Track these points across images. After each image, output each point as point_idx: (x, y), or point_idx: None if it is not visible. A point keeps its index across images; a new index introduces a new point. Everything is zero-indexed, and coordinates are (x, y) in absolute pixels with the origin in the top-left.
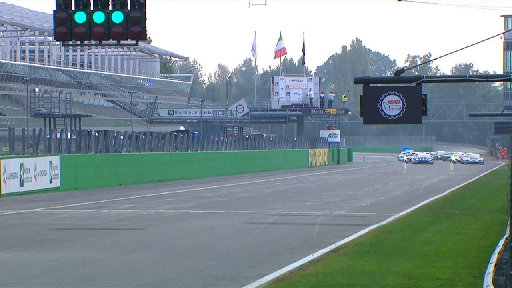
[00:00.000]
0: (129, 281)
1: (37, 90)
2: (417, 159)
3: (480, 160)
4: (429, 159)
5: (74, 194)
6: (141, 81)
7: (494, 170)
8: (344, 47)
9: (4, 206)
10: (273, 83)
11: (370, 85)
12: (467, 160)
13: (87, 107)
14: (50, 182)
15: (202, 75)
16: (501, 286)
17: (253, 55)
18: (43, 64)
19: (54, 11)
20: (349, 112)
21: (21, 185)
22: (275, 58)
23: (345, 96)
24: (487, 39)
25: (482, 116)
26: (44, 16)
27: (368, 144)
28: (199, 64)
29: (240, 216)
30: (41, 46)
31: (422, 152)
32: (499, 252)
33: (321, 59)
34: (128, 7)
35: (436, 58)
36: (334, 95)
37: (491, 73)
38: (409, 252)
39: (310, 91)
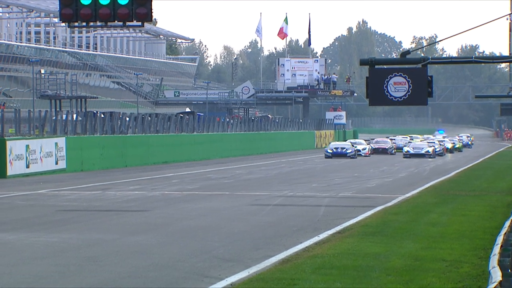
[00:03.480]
0: (135, 262)
1: (42, 71)
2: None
3: (428, 151)
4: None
5: (80, 175)
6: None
7: (500, 152)
8: (350, 29)
9: (10, 187)
10: (278, 64)
11: (376, 66)
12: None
13: (93, 88)
14: (56, 163)
15: (207, 56)
16: (507, 267)
17: (258, 36)
18: (49, 46)
19: None
20: (355, 94)
21: (27, 166)
22: (278, 35)
23: (347, 79)
24: (493, 20)
25: (488, 97)
26: None
27: (374, 126)
28: (205, 45)
29: (246, 197)
30: (46, 28)
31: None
32: (505, 233)
33: (326, 40)
34: None
35: (442, 40)
36: (337, 76)
37: (497, 54)
38: (415, 234)
39: (318, 73)
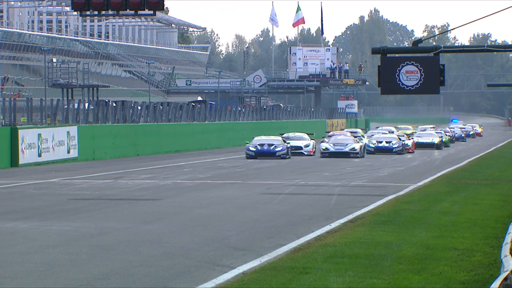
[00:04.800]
0: (147, 251)
1: (54, 60)
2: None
3: (354, 149)
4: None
5: (92, 164)
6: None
7: None
8: (361, 17)
9: (22, 176)
10: (290, 53)
11: (388, 55)
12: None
13: (105, 77)
14: (68, 152)
15: (219, 45)
16: None
17: (274, 24)
18: (61, 35)
19: None
20: (367, 83)
21: (39, 155)
22: (294, 26)
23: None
24: (505, 8)
25: (500, 86)
26: None
27: (386, 114)
28: (217, 34)
29: (258, 186)
30: (58, 17)
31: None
32: None
33: (338, 29)
34: None
35: (454, 28)
36: (348, 64)
37: (510, 43)
38: (427, 223)
39: (332, 63)
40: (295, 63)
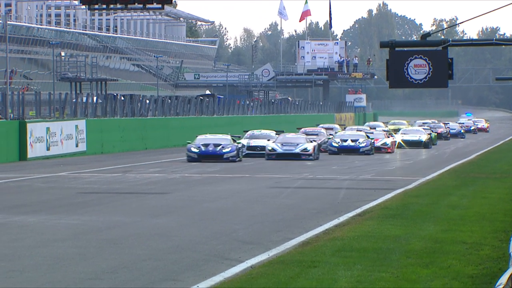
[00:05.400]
0: (155, 244)
1: (63, 54)
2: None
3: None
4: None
5: (100, 158)
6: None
7: None
8: (370, 11)
9: (30, 170)
10: (298, 47)
11: (396, 49)
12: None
13: (113, 71)
14: (76, 146)
15: (227, 39)
16: None
17: (282, 18)
18: (69, 28)
19: None
20: (375, 77)
21: (47, 149)
22: (300, 21)
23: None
24: None
25: (509, 80)
26: None
27: (394, 108)
28: (225, 28)
29: (266, 180)
30: (67, 10)
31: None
32: None
33: (347, 23)
34: None
35: (463, 22)
36: (357, 58)
37: None
38: (435, 216)
39: (340, 57)
40: (304, 57)
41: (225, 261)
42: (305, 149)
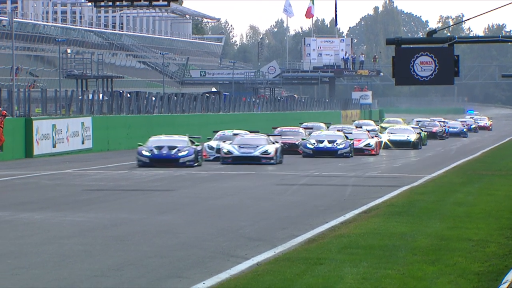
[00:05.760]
0: (161, 241)
1: (69, 51)
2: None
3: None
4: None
5: (106, 155)
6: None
7: None
8: (376, 8)
9: (36, 167)
10: (304, 44)
11: (402, 46)
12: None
13: (119, 68)
14: (82, 143)
15: (233, 36)
16: None
17: (287, 15)
18: (75, 26)
19: None
20: (381, 74)
21: (54, 146)
22: (306, 16)
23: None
24: None
25: None
26: None
27: (400, 105)
28: (231, 25)
29: (272, 177)
30: (73, 7)
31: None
32: None
33: (353, 20)
34: None
35: (469, 19)
36: (364, 55)
37: None
38: (441, 213)
39: (346, 54)
40: (309, 54)
41: (231, 258)
42: (265, 152)
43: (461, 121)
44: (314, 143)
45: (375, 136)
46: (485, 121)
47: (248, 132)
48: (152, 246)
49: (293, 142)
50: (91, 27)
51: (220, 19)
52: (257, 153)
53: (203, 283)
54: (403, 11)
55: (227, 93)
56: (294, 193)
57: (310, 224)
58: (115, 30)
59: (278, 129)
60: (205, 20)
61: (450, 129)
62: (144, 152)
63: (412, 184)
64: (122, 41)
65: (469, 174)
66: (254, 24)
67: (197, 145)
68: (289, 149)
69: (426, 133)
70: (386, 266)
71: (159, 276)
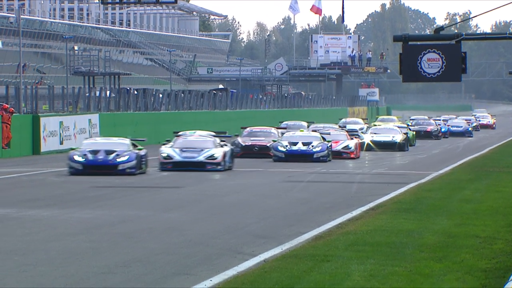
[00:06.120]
0: (168, 239)
1: (76, 48)
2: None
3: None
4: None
5: None
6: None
7: None
8: (383, 5)
9: (43, 164)
10: (312, 41)
11: (410, 43)
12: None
13: (126, 65)
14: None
15: (240, 33)
16: None
17: (292, 12)
18: (82, 23)
19: None
20: (388, 71)
21: (61, 143)
22: (311, 10)
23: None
24: None
25: None
26: None
27: (407, 102)
28: (238, 22)
29: (279, 174)
30: (80, 4)
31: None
32: None
33: (360, 17)
34: None
35: (476, 16)
36: (371, 52)
37: None
38: (448, 210)
39: (353, 51)
40: (317, 51)
41: (238, 255)
42: (211, 156)
43: (466, 120)
44: (286, 146)
45: (356, 137)
46: (488, 119)
47: (212, 133)
48: (159, 243)
49: (264, 144)
50: (98, 24)
51: (227, 16)
52: (201, 157)
53: (210, 280)
54: (410, 8)
55: (234, 90)
56: (300, 190)
57: (317, 221)
58: (122, 27)
59: (247, 129)
60: (212, 17)
61: (453, 128)
62: (77, 158)
63: (419, 181)
64: (129, 38)
65: (476, 171)
66: (261, 21)
67: (140, 149)
68: (259, 152)
69: (414, 132)
70: (393, 263)
71: (166, 273)
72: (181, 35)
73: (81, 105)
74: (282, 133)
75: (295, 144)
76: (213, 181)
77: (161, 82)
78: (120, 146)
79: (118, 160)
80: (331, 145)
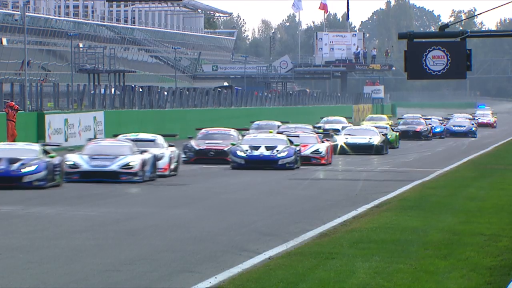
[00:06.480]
0: (173, 235)
1: (81, 45)
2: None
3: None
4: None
5: None
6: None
7: None
8: (388, 2)
9: None
10: (316, 38)
11: (414, 40)
12: None
13: (131, 62)
14: (94, 137)
15: (245, 30)
16: None
17: (295, 10)
18: (87, 20)
19: None
20: (393, 68)
21: (66, 140)
22: (320, 8)
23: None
24: None
25: None
26: None
27: (412, 100)
28: (243, 19)
29: (284, 172)
30: (85, 2)
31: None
32: None
33: (365, 14)
34: None
35: (481, 13)
36: (376, 50)
37: None
38: (453, 208)
39: (358, 48)
40: (321, 49)
41: (243, 253)
42: (126, 165)
43: (469, 119)
44: (247, 150)
45: (327, 140)
46: (488, 118)
47: (160, 136)
48: (164, 241)
49: (221, 148)
50: (103, 22)
51: (232, 13)
52: (114, 166)
53: (215, 278)
54: (415, 6)
55: (239, 88)
56: (305, 188)
57: (321, 218)
58: (127, 25)
59: (203, 130)
60: (217, 14)
61: (456, 128)
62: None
63: (424, 179)
64: (134, 36)
65: (481, 168)
66: (266, 19)
67: (52, 157)
68: (215, 157)
69: (398, 133)
70: (398, 260)
71: (171, 271)
72: (186, 32)
73: (86, 103)
74: (244, 135)
75: (256, 148)
76: (218, 179)
77: (166, 79)
78: (27, 153)
79: (23, 170)
80: (299, 150)
